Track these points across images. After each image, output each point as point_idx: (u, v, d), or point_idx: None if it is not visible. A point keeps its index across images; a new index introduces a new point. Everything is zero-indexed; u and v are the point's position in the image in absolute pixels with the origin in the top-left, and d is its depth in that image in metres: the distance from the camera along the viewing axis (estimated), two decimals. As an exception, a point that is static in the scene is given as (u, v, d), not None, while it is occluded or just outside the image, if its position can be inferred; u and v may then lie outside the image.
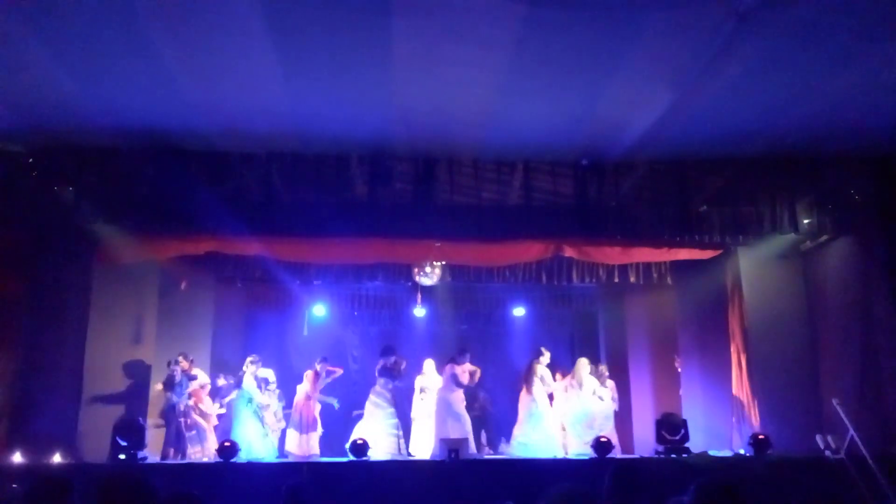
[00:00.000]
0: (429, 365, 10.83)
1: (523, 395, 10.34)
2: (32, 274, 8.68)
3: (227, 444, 8.42)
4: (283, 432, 10.53)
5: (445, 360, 10.58)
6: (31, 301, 8.63)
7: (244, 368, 10.29)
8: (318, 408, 10.59)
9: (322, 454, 10.15)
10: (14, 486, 6.97)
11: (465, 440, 9.18)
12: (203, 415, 10.26)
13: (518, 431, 10.19)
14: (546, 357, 10.51)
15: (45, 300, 8.65)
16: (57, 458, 7.96)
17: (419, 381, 10.67)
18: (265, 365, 10.55)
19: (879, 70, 6.59)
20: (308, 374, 10.63)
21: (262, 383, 10.34)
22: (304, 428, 10.26)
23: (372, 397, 10.23)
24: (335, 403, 10.84)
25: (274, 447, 10.11)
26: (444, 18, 5.85)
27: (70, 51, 6.35)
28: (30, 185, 8.33)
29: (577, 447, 9.97)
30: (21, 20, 5.88)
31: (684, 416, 9.52)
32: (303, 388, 10.54)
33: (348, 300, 13.38)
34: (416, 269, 10.71)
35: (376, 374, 10.35)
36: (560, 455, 9.64)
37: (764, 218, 8.84)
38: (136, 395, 9.65)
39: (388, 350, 10.61)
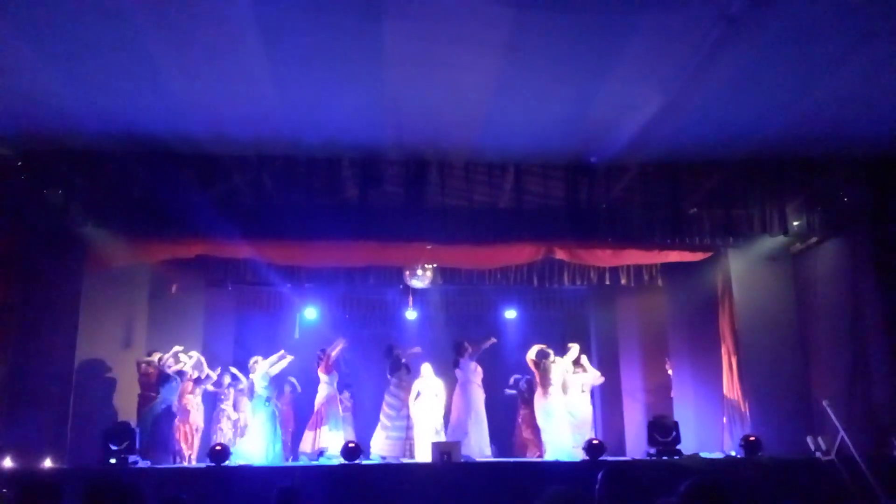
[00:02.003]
0: (426, 369, 10.74)
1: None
2: (22, 277, 8.64)
3: (217, 447, 8.39)
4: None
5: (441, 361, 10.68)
6: (21, 305, 8.59)
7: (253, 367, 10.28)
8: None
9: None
10: (3, 490, 6.93)
11: (458, 443, 9.19)
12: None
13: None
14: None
15: (34, 304, 8.62)
16: (47, 463, 7.93)
17: (417, 385, 10.60)
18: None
19: (869, 72, 6.62)
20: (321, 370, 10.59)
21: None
22: (336, 426, 10.25)
23: (386, 398, 10.20)
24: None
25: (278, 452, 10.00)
26: (435, 21, 5.85)
27: (59, 54, 6.32)
28: (19, 188, 8.28)
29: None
30: (10, 22, 5.85)
31: (676, 418, 9.53)
32: (323, 385, 10.50)
33: (340, 303, 13.36)
34: (407, 272, 10.72)
35: (388, 377, 10.32)
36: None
37: (754, 220, 8.87)
38: (126, 399, 9.60)
39: (388, 351, 10.59)
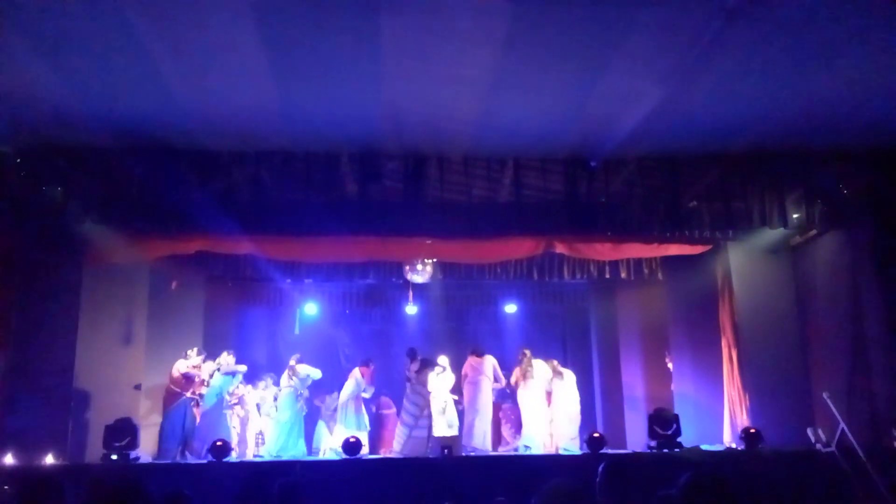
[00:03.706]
0: (444, 361, 10.76)
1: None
2: (21, 275, 8.64)
3: (219, 443, 8.40)
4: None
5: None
6: (21, 302, 8.59)
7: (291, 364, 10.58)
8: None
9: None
10: (6, 487, 6.95)
11: (459, 437, 9.25)
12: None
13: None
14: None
15: (34, 301, 8.62)
16: (49, 459, 7.94)
17: (433, 379, 10.58)
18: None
19: (867, 64, 6.62)
20: (361, 372, 10.77)
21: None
22: (361, 425, 10.41)
23: (411, 397, 10.25)
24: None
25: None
26: (432, 16, 5.84)
27: (58, 50, 6.31)
28: (18, 185, 8.27)
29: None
30: (6, 20, 5.84)
31: (676, 411, 9.56)
32: (351, 386, 10.65)
33: (340, 298, 13.38)
34: (407, 267, 10.73)
35: (410, 377, 10.36)
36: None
37: (753, 213, 8.86)
38: (127, 396, 9.61)
39: (412, 353, 10.63)
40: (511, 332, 13.76)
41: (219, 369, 10.14)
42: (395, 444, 10.07)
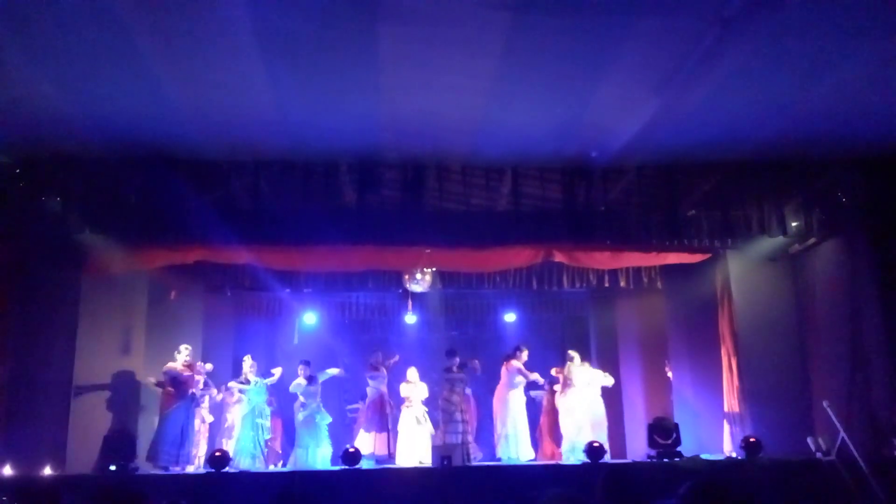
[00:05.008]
0: (412, 373, 10.70)
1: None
2: (20, 285, 8.63)
3: (217, 453, 8.38)
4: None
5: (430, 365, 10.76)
6: (20, 313, 8.58)
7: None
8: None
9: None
10: (3, 498, 6.91)
11: (458, 446, 9.20)
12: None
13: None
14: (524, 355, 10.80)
15: (33, 312, 8.61)
16: (47, 470, 7.92)
17: (403, 390, 10.57)
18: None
19: (865, 72, 6.62)
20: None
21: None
22: (380, 427, 10.40)
23: (441, 404, 10.20)
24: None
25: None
26: (431, 25, 5.85)
27: (57, 60, 6.32)
28: (17, 195, 8.27)
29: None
30: (6, 30, 5.85)
31: (676, 420, 9.55)
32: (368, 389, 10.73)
33: (339, 308, 13.35)
34: (406, 277, 10.73)
35: (445, 381, 10.29)
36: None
37: (752, 221, 8.87)
38: (125, 406, 9.59)
39: (452, 353, 10.50)
40: (510, 341, 13.71)
41: (245, 382, 10.29)
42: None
